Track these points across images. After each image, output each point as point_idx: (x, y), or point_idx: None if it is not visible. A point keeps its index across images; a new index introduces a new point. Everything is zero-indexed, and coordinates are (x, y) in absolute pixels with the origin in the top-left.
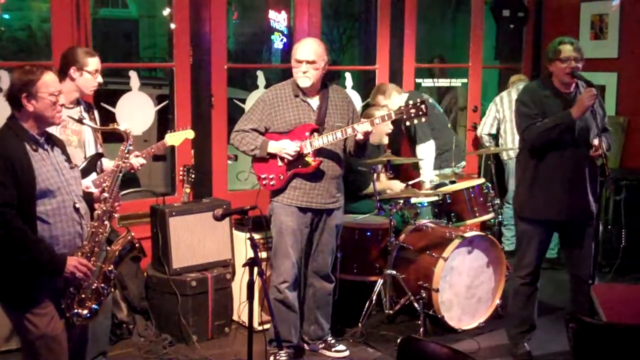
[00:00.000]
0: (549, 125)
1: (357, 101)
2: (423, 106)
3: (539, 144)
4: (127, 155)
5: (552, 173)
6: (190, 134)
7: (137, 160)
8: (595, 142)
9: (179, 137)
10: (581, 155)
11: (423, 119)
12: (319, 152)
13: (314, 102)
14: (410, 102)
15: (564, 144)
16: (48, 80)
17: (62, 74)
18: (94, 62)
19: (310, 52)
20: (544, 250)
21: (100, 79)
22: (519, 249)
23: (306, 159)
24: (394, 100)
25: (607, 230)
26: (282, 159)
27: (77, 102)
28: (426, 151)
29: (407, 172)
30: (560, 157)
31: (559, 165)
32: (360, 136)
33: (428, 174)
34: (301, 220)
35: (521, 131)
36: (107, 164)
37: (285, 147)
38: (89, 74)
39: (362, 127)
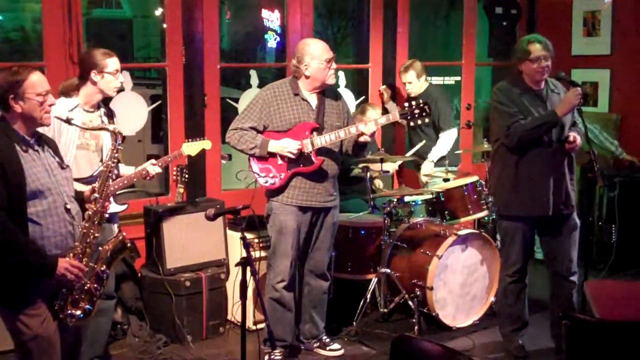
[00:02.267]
0: (535, 124)
1: (351, 100)
2: (427, 107)
3: (523, 141)
4: (115, 155)
5: (533, 169)
6: (207, 144)
7: (153, 169)
8: (571, 136)
9: (196, 147)
10: (558, 150)
11: (427, 120)
12: (320, 151)
13: (313, 101)
14: (414, 102)
15: (541, 141)
16: (35, 80)
17: (83, 79)
18: (113, 63)
19: (330, 50)
20: (529, 246)
21: (122, 79)
22: (503, 247)
23: (308, 158)
24: (418, 84)
25: (600, 227)
26: (282, 157)
27: (98, 106)
28: (448, 138)
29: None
30: (539, 153)
31: (539, 161)
32: (366, 137)
33: (434, 155)
34: (301, 219)
35: (505, 129)
36: (124, 169)
37: (287, 146)
38: (110, 74)
39: (368, 127)
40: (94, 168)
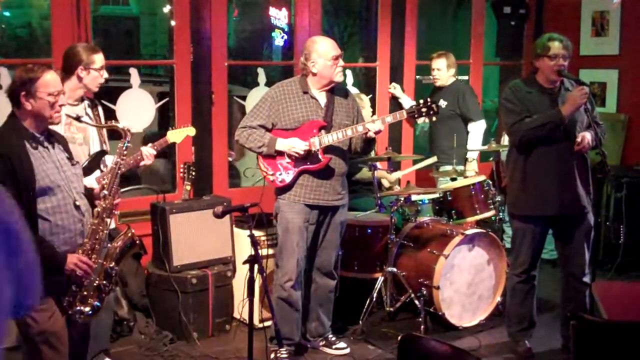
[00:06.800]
0: (538, 123)
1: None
2: (434, 105)
3: (527, 140)
4: (125, 153)
5: (541, 169)
6: (191, 130)
7: (146, 149)
8: (579, 137)
9: (180, 134)
10: (568, 149)
11: (434, 118)
12: (327, 149)
13: (322, 99)
14: (421, 100)
15: (551, 140)
16: (49, 80)
17: (67, 73)
18: (99, 59)
19: (338, 47)
20: (539, 247)
21: (106, 75)
22: (513, 246)
23: (316, 156)
24: (445, 74)
25: (607, 227)
26: (290, 156)
27: (81, 99)
28: (477, 130)
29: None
30: (548, 153)
31: (547, 160)
32: (371, 134)
33: (473, 152)
34: (308, 217)
35: (509, 127)
36: (111, 161)
37: (294, 145)
38: (96, 71)
39: (374, 125)
40: (82, 160)
